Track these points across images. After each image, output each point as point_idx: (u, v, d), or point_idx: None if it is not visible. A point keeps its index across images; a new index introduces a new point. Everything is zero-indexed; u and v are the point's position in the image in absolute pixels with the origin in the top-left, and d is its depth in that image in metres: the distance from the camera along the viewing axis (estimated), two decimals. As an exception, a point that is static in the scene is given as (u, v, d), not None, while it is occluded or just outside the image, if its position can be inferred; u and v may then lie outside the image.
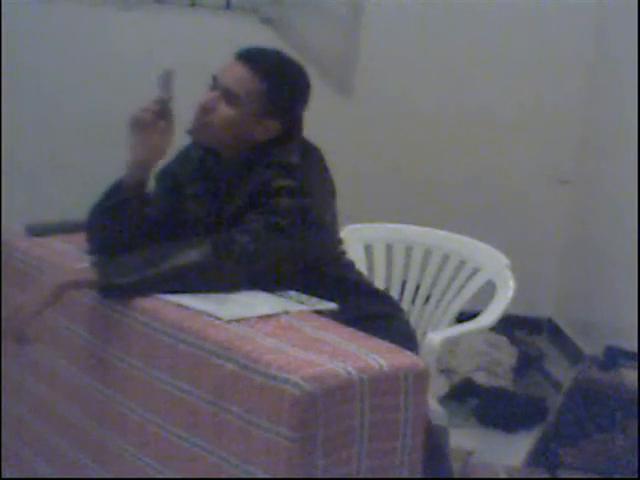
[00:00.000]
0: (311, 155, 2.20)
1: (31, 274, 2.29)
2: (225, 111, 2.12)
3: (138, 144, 2.12)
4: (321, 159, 2.22)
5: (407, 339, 2.26)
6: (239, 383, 1.76)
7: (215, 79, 2.15)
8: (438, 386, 3.37)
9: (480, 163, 4.25)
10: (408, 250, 2.92)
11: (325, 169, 2.22)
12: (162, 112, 2.11)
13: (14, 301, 1.99)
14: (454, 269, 2.84)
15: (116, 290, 2.00)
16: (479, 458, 3.06)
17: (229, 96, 2.12)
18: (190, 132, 2.17)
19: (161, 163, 2.34)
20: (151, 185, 2.34)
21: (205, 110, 2.13)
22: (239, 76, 2.11)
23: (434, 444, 2.14)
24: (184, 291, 2.00)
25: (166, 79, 2.11)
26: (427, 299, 2.86)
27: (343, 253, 2.38)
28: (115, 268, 2.02)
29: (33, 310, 1.95)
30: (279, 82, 2.14)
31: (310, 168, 2.16)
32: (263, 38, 3.02)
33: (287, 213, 2.06)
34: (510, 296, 2.68)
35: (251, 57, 2.14)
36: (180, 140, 2.28)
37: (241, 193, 2.13)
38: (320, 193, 2.15)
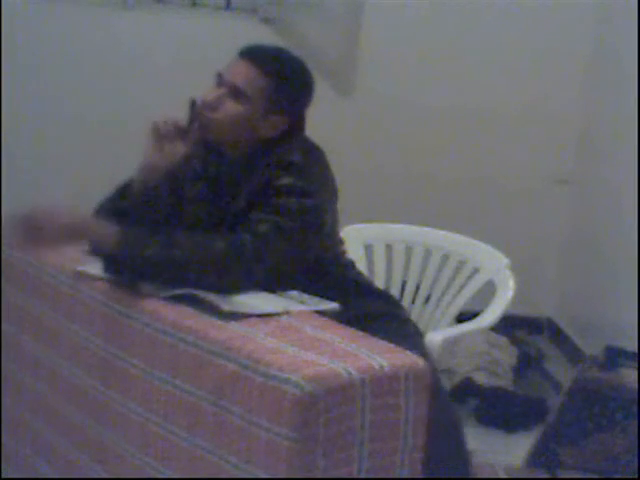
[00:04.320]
0: (313, 154, 2.20)
1: (31, 274, 2.29)
2: (233, 107, 2.13)
3: (154, 149, 2.11)
4: (323, 158, 2.22)
5: (408, 338, 2.25)
6: (240, 383, 1.76)
7: (220, 77, 2.16)
8: (438, 386, 3.37)
9: (480, 163, 4.24)
10: (408, 250, 2.92)
11: (327, 168, 2.22)
12: (180, 131, 2.12)
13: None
14: (454, 269, 2.84)
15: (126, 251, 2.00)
16: (479, 458, 3.05)
17: (236, 93, 2.12)
18: (196, 128, 2.16)
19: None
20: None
21: (211, 107, 2.13)
22: (245, 73, 2.12)
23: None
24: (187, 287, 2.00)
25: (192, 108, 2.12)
26: (427, 299, 2.86)
27: (343, 253, 2.38)
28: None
29: None
30: (285, 78, 2.15)
31: (312, 167, 2.16)
32: (263, 38, 3.01)
33: (289, 213, 2.05)
34: (510, 296, 2.68)
35: (256, 54, 2.15)
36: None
37: (243, 192, 2.13)
38: (322, 193, 2.15)
